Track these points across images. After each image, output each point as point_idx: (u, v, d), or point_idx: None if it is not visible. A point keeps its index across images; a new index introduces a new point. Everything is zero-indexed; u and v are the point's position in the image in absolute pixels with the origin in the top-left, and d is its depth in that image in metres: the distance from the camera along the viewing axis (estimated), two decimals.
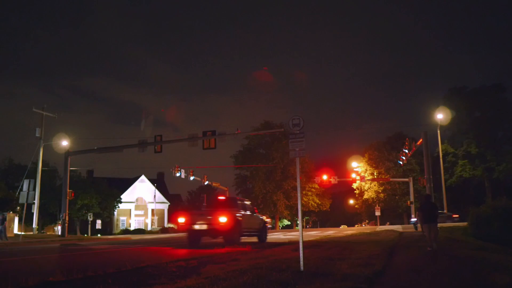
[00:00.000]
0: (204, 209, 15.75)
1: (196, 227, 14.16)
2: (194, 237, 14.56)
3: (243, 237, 15.26)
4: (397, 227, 33.62)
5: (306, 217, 74.01)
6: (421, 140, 31.94)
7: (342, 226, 65.06)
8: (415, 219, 46.10)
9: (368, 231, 26.94)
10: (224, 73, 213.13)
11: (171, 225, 58.06)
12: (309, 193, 59.06)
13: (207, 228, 14.01)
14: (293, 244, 13.52)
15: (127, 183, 63.59)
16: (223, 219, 13.81)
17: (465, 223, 23.12)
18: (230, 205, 15.35)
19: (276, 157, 56.97)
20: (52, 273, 7.00)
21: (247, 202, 17.15)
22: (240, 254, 10.28)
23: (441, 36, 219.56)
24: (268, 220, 20.22)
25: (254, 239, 16.78)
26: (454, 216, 44.74)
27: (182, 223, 14.74)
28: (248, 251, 11.79)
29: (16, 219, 31.28)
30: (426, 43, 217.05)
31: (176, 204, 72.16)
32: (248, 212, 15.96)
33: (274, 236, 23.95)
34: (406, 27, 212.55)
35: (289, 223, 65.75)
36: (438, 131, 39.66)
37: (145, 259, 9.90)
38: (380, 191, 57.47)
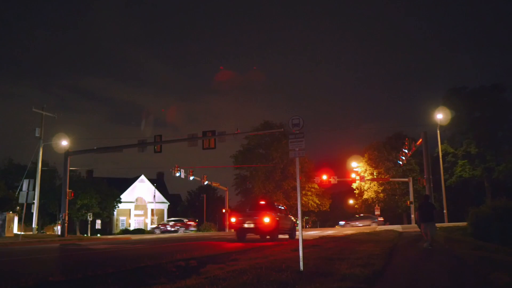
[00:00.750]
0: (250, 212, 18.70)
1: (245, 225, 17.52)
2: (243, 233, 18.07)
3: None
4: (397, 227, 33.61)
5: (305, 217, 73.90)
6: (420, 140, 31.98)
7: (337, 226, 64.88)
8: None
9: (368, 231, 26.92)
10: (224, 73, 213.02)
11: None
12: (309, 193, 59.03)
13: (254, 227, 17.34)
14: (291, 245, 13.56)
15: (127, 183, 63.57)
16: (267, 220, 17.00)
17: (464, 223, 23.12)
18: (270, 209, 18.34)
19: (276, 157, 56.94)
20: (52, 273, 7.00)
21: (282, 207, 20.81)
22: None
23: (440, 36, 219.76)
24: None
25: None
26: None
27: (233, 222, 18.23)
28: (286, 243, 15.06)
29: (16, 219, 31.22)
30: (426, 43, 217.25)
31: (176, 204, 72.12)
32: (283, 214, 19.11)
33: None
34: (405, 27, 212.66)
35: None
36: (438, 131, 39.67)
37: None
38: (380, 191, 57.44)
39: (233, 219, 18.26)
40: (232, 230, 20.55)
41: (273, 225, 17.03)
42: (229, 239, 19.29)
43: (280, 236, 19.23)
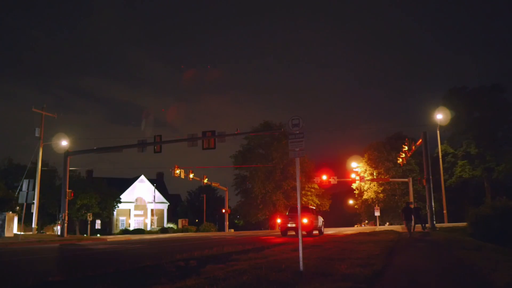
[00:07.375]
0: (291, 214, 23.46)
1: (289, 225, 22.87)
2: (286, 231, 23.40)
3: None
4: (397, 227, 33.58)
5: None
6: (420, 140, 31.90)
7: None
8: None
9: (368, 231, 26.92)
10: (224, 73, 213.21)
11: (170, 225, 58.00)
12: (309, 193, 58.91)
13: (295, 226, 22.33)
14: (291, 244, 13.53)
15: (127, 183, 63.50)
16: (305, 221, 21.85)
17: (464, 223, 23.11)
18: (307, 211, 23.03)
19: (276, 157, 56.84)
20: (52, 273, 6.99)
21: (314, 208, 26.71)
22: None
23: (440, 36, 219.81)
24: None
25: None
26: None
27: (279, 223, 23.58)
28: (317, 239, 18.35)
29: (16, 219, 31.15)
30: (426, 43, 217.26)
31: (175, 204, 72.03)
32: (315, 215, 23.84)
33: (275, 234, 24.34)
34: (405, 27, 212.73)
35: None
36: (438, 132, 39.63)
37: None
38: (380, 191, 57.40)
39: (279, 220, 23.90)
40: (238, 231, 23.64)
41: (310, 224, 22.05)
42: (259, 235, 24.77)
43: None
